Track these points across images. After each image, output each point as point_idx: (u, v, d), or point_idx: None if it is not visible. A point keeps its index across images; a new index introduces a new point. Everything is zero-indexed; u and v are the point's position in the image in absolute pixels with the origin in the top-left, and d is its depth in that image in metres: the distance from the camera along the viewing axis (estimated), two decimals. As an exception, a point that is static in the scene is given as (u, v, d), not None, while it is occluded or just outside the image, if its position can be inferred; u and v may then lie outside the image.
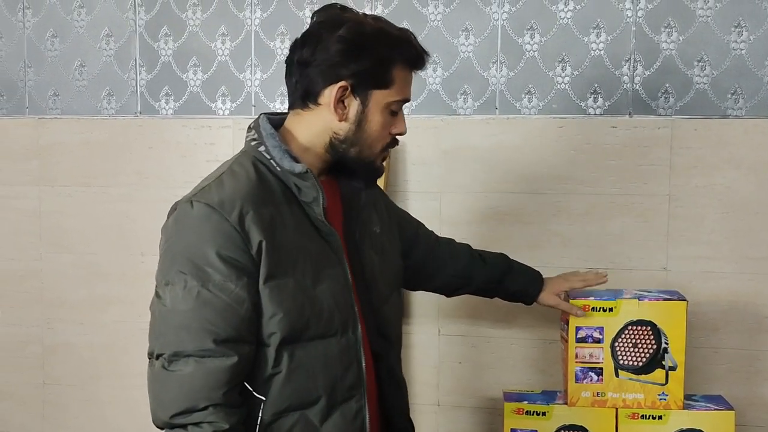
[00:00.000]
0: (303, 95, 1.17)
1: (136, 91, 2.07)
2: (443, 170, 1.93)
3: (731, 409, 1.58)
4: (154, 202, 2.05)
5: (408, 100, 1.23)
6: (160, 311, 1.07)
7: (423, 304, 1.96)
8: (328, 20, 1.16)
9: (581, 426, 1.59)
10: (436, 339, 1.97)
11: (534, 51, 1.89)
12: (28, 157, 2.11)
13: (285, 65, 1.21)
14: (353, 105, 1.15)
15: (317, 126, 1.17)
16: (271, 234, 1.07)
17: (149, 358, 1.08)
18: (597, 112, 1.86)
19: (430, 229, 1.74)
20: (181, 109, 2.05)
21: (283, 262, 1.08)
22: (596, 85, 1.86)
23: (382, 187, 1.86)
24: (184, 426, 1.03)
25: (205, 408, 1.02)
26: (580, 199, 1.87)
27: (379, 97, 1.16)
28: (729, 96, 1.81)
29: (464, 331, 1.95)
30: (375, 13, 1.92)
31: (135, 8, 2.05)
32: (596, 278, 1.59)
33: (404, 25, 1.90)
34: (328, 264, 1.13)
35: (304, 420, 1.10)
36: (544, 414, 1.61)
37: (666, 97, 1.83)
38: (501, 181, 1.90)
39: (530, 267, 1.60)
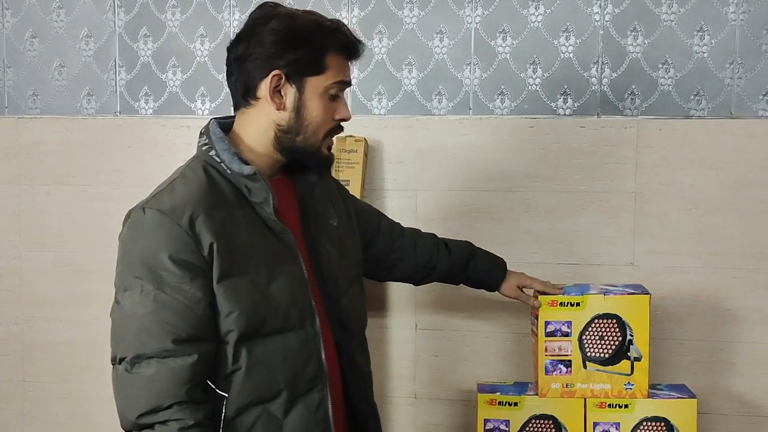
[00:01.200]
0: (243, 92, 1.20)
1: (116, 91, 2.09)
2: (418, 169, 1.98)
3: (693, 397, 1.65)
4: (133, 201, 2.03)
5: (347, 83, 1.26)
6: (120, 316, 1.10)
7: (400, 299, 2.01)
8: (261, 16, 1.19)
9: (551, 415, 1.66)
10: (413, 333, 2.02)
11: (506, 53, 1.94)
12: (7, 157, 2.13)
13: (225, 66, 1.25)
14: (290, 93, 1.18)
15: (261, 122, 1.19)
16: (223, 236, 1.10)
17: (112, 364, 1.11)
18: (566, 113, 1.93)
19: (406, 226, 1.80)
20: (160, 109, 2.07)
21: (236, 262, 1.11)
22: (566, 87, 1.92)
23: (359, 186, 1.92)
24: (151, 426, 1.06)
25: (169, 406, 1.06)
26: (549, 197, 1.93)
27: (315, 83, 1.18)
28: (692, 97, 1.88)
29: (441, 325, 2.01)
30: (351, 16, 1.97)
31: (114, 9, 2.07)
32: (554, 290, 1.64)
33: (380, 27, 1.97)
34: (283, 261, 1.16)
35: (266, 414, 1.13)
36: (516, 404, 1.67)
37: (632, 98, 1.90)
38: (474, 179, 1.96)
39: (495, 255, 1.66)
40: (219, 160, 1.17)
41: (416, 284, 1.67)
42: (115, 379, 1.10)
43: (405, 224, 1.98)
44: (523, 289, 1.67)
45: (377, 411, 1.38)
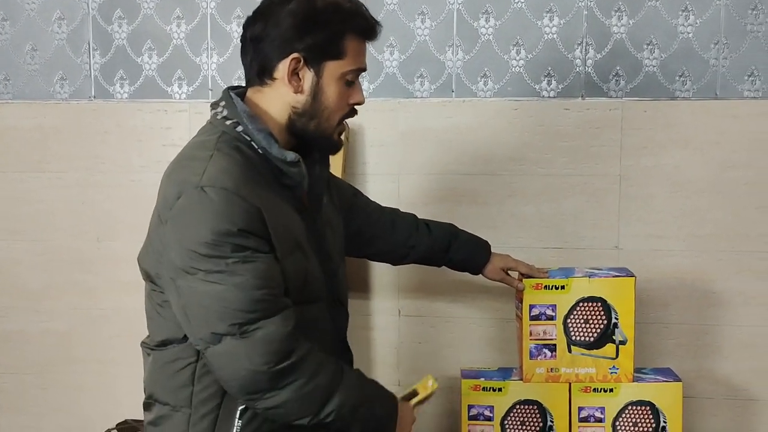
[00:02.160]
0: (259, 72, 1.19)
1: (90, 75, 2.04)
2: (401, 152, 1.95)
3: (679, 380, 1.63)
4: (109, 187, 2.03)
5: (363, 70, 1.26)
6: (204, 296, 1.07)
7: (383, 285, 1.99)
8: None
9: (536, 401, 1.64)
10: (396, 320, 1.99)
11: (489, 35, 1.91)
12: (-21, 143, 2.07)
13: (240, 44, 1.23)
14: (308, 77, 1.17)
15: (277, 103, 1.19)
16: (270, 214, 1.11)
17: (210, 345, 1.08)
18: (550, 95, 1.90)
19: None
20: (136, 93, 2.02)
21: (281, 239, 1.12)
22: (550, 68, 1.90)
23: (340, 169, 1.88)
24: (291, 369, 1.09)
25: (295, 349, 1.10)
26: (534, 180, 1.91)
27: (333, 68, 1.18)
28: (677, 78, 1.86)
29: (424, 312, 1.98)
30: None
31: (87, -10, 2.02)
32: (539, 273, 1.62)
33: (360, 7, 1.92)
34: (307, 239, 1.19)
35: None
36: (500, 390, 1.65)
37: (617, 80, 1.88)
38: (457, 163, 1.93)
39: (479, 237, 1.63)
40: (249, 139, 1.16)
41: (394, 264, 1.65)
42: (225, 352, 1.08)
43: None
44: (508, 272, 1.64)
45: None
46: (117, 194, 2.03)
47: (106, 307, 2.06)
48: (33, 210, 2.06)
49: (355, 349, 1.97)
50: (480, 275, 1.65)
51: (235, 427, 1.13)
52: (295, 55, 1.15)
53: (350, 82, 1.21)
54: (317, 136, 1.21)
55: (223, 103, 1.19)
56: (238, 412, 1.14)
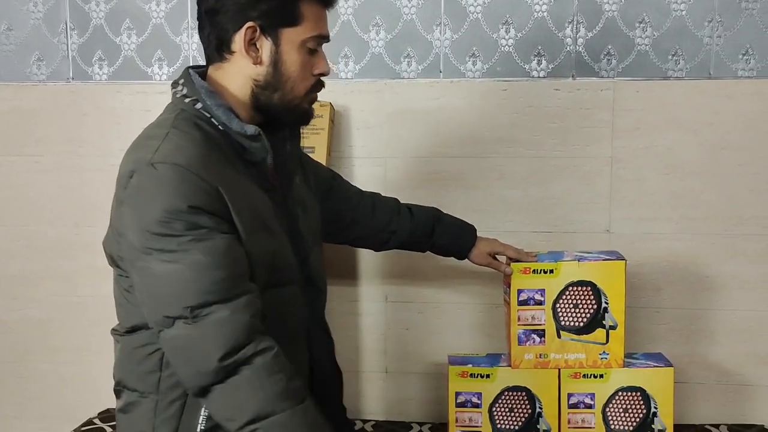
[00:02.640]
0: (217, 46, 1.15)
1: (68, 55, 1.98)
2: (387, 135, 1.90)
3: (670, 365, 1.60)
4: (88, 170, 1.98)
5: (325, 37, 1.21)
6: (160, 277, 1.03)
7: (370, 271, 1.94)
8: None
9: (525, 387, 1.60)
10: (383, 306, 1.95)
11: (477, 13, 1.86)
12: (-47, 127, 2.01)
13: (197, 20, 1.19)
14: (265, 46, 1.14)
15: (238, 77, 1.15)
16: (230, 193, 1.06)
17: (162, 328, 1.04)
18: (540, 75, 1.85)
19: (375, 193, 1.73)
20: (115, 75, 1.97)
21: (241, 219, 1.08)
22: (540, 48, 1.85)
23: (324, 152, 1.83)
24: (234, 370, 1.01)
25: (249, 341, 1.02)
26: (523, 163, 1.86)
27: (291, 35, 1.14)
28: (670, 57, 1.81)
29: (411, 297, 1.94)
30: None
31: (63, -32, 1.95)
32: (528, 257, 1.58)
33: (344, -15, 1.87)
34: (274, 219, 1.15)
35: None
36: (488, 376, 1.61)
37: (608, 59, 1.83)
38: (445, 146, 1.88)
39: (464, 221, 1.59)
40: (208, 115, 1.12)
41: (376, 249, 1.61)
42: (175, 338, 1.03)
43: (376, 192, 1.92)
44: (496, 257, 1.60)
45: (341, 373, 1.36)
46: (96, 178, 1.98)
47: (85, 294, 2.01)
48: (10, 195, 2.01)
49: (341, 335, 1.94)
50: (466, 260, 1.61)
51: (201, 416, 1.09)
52: (250, 24, 1.11)
53: (312, 50, 1.17)
54: (283, 108, 1.16)
55: (182, 81, 1.16)
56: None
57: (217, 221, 1.04)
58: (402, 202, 1.62)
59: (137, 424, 1.14)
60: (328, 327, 1.32)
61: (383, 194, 1.88)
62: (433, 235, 1.55)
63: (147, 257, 1.03)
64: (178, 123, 1.10)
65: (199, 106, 1.11)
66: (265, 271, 1.10)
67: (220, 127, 1.11)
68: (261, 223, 1.11)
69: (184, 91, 1.14)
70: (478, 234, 1.61)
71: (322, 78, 1.22)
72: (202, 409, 1.09)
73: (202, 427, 1.09)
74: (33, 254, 2.01)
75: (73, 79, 1.98)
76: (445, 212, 1.60)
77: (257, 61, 1.13)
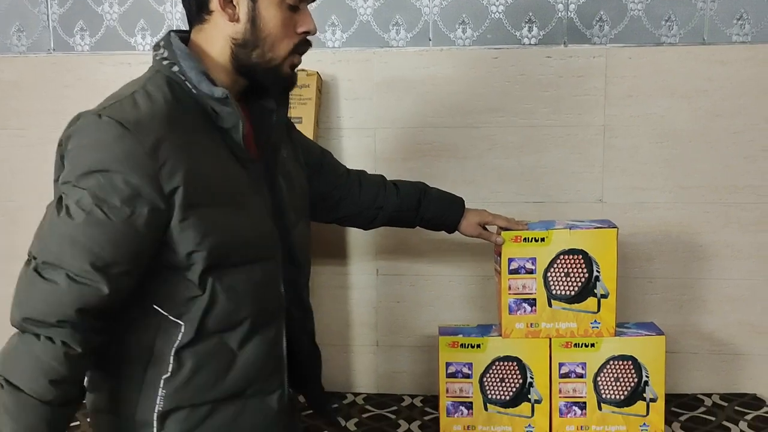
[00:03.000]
0: (197, 7, 1.12)
1: (48, 26, 1.93)
2: (376, 105, 1.87)
3: (662, 334, 1.58)
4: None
5: None
6: (53, 218, 1.00)
7: (361, 244, 1.92)
8: None
9: (516, 357, 1.59)
10: (374, 279, 1.93)
11: (467, -21, 1.82)
12: (-66, 100, 1.97)
13: None
14: (242, 2, 1.10)
15: (218, 38, 1.11)
16: (190, 163, 1.01)
17: (28, 257, 1.01)
18: (532, 42, 1.82)
19: (365, 166, 1.70)
20: (97, 45, 1.93)
21: (203, 192, 1.03)
22: (531, 14, 1.81)
23: (312, 124, 1.80)
24: (36, 334, 0.97)
25: (59, 324, 0.97)
26: (515, 132, 1.83)
27: None
28: (663, 23, 1.78)
29: (402, 270, 1.92)
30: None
31: (42, -65, 1.91)
32: (519, 225, 1.55)
33: (329, -51, 1.83)
34: (249, 191, 1.10)
35: (221, 345, 1.07)
36: (478, 346, 1.59)
37: (601, 26, 1.79)
38: (435, 116, 1.85)
39: (452, 194, 1.56)
40: (184, 78, 1.07)
41: (364, 228, 1.56)
42: (23, 274, 1.00)
43: (364, 165, 1.89)
44: (486, 227, 1.58)
45: (320, 352, 1.32)
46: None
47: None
48: (-6, 169, 1.98)
49: (332, 309, 1.94)
50: (457, 233, 1.58)
51: (159, 396, 1.06)
52: None
53: (293, 6, 1.12)
54: (263, 69, 1.12)
55: (162, 44, 1.12)
56: (162, 381, 1.06)
57: (135, 196, 0.98)
58: (392, 174, 1.59)
59: (101, 402, 1.11)
60: (308, 305, 1.28)
61: (373, 166, 1.86)
62: (419, 209, 1.52)
63: (62, 196, 1.00)
64: (149, 84, 1.07)
65: (175, 69, 1.08)
66: (229, 246, 1.05)
67: (193, 91, 1.07)
68: (228, 196, 1.06)
69: (164, 54, 1.10)
70: (468, 205, 1.58)
71: (309, 39, 1.17)
72: (160, 389, 1.06)
73: (160, 408, 1.06)
74: (17, 230, 1.98)
75: (54, 50, 1.94)
76: (432, 186, 1.57)
77: (234, 18, 1.09)
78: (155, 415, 1.05)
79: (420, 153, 1.87)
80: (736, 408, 1.75)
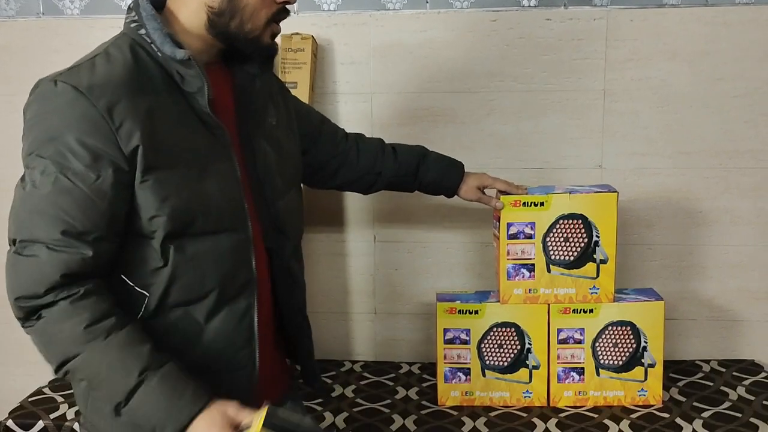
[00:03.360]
0: None
1: (37, -11, 1.89)
2: (373, 70, 1.83)
3: (661, 299, 1.58)
4: None
5: None
6: (20, 195, 1.00)
7: (358, 211, 1.90)
8: None
9: (514, 323, 1.58)
10: (371, 246, 1.92)
11: (466, -61, 1.78)
12: None
13: None
14: None
15: (191, 4, 1.07)
16: (149, 125, 0.99)
17: (9, 243, 1.01)
18: (531, 4, 1.78)
19: (361, 131, 1.66)
20: (87, 9, 1.88)
21: (163, 155, 1.00)
22: (530, -25, 1.77)
23: (307, 89, 1.77)
24: (36, 314, 0.97)
25: (47, 292, 0.96)
26: (513, 97, 1.81)
27: None
28: (665, -16, 1.74)
29: (400, 237, 1.91)
30: None
31: None
32: (518, 190, 1.53)
33: None
34: (216, 158, 1.06)
35: (188, 317, 1.04)
36: (476, 312, 1.58)
37: (602, -13, 1.76)
38: (433, 80, 1.82)
39: (451, 158, 1.53)
40: (149, 41, 1.03)
41: (364, 192, 1.54)
42: (7, 261, 1.00)
43: (360, 130, 1.85)
44: (485, 191, 1.56)
45: (309, 324, 1.28)
46: None
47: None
48: (-16, 137, 1.94)
49: (329, 276, 1.93)
50: (456, 198, 1.56)
51: None
52: None
53: None
54: (244, 39, 1.08)
55: (132, 5, 1.08)
56: None
57: (97, 159, 0.96)
58: (389, 140, 1.56)
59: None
60: (297, 275, 1.22)
61: (369, 132, 1.83)
62: (418, 173, 1.49)
63: (26, 172, 0.99)
64: (112, 47, 1.04)
65: (142, 32, 1.04)
66: (191, 212, 1.02)
67: (158, 53, 1.03)
68: (190, 161, 1.02)
69: (134, 17, 1.06)
70: (467, 170, 1.56)
71: (288, 7, 1.12)
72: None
73: None
74: (8, 197, 1.95)
75: (43, 14, 1.89)
76: (432, 151, 1.54)
77: None
78: (151, 338, 1.02)
79: (417, 118, 1.84)
80: (734, 374, 1.75)
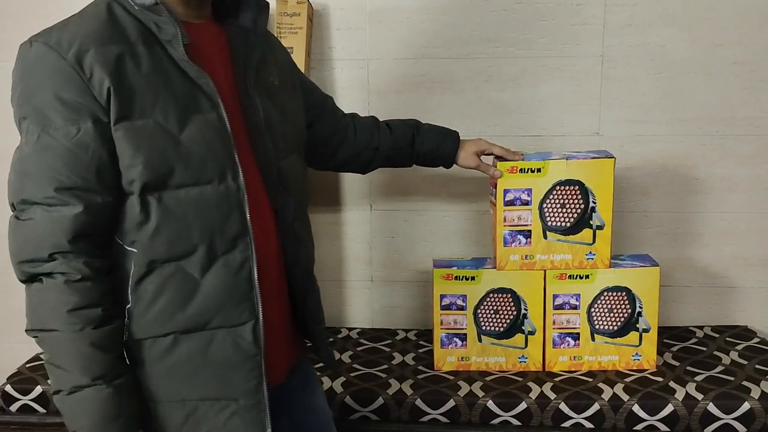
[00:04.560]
0: None
1: (27, -48, 1.86)
2: (369, 35, 1.82)
3: (656, 265, 1.58)
4: None
5: None
6: (15, 159, 1.01)
7: (354, 179, 1.90)
8: None
9: (510, 289, 1.59)
10: (368, 215, 1.92)
11: None
12: None
13: None
14: None
15: None
16: (119, 72, 0.99)
17: (10, 209, 1.03)
18: (530, -32, 1.76)
19: (358, 98, 1.66)
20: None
21: (136, 103, 1.00)
22: (529, -61, 1.75)
23: (303, 54, 1.75)
24: (37, 277, 0.99)
25: (51, 257, 0.98)
26: (511, 63, 1.79)
27: None
28: (666, -52, 1.72)
29: (397, 206, 1.91)
30: None
31: None
32: (515, 156, 1.53)
33: None
34: (198, 108, 1.04)
35: (181, 272, 1.03)
36: (473, 279, 1.59)
37: (601, -49, 1.74)
38: (430, 46, 1.81)
39: (445, 127, 1.52)
40: None
41: (363, 171, 1.52)
42: (9, 225, 1.02)
43: (357, 97, 1.87)
44: (482, 158, 1.55)
45: (317, 285, 1.27)
46: None
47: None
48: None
49: (326, 244, 1.93)
50: (455, 167, 1.54)
51: (124, 326, 1.04)
52: None
53: None
54: None
55: None
56: (126, 312, 1.04)
57: (75, 112, 0.97)
58: (386, 107, 1.56)
59: None
60: (302, 237, 1.21)
61: (366, 99, 1.83)
62: (414, 143, 1.48)
63: (20, 136, 1.01)
64: (89, 6, 1.05)
65: None
66: (167, 162, 1.00)
67: (135, 6, 1.03)
68: (166, 110, 1.01)
69: None
70: (462, 138, 1.54)
71: None
72: (125, 320, 1.04)
73: (125, 338, 1.05)
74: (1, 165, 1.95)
75: (35, -22, 1.87)
76: (426, 123, 1.52)
77: None
78: (122, 346, 1.04)
79: (414, 85, 1.83)
80: (728, 339, 1.77)
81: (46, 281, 0.99)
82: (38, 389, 1.60)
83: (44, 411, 1.61)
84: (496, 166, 1.53)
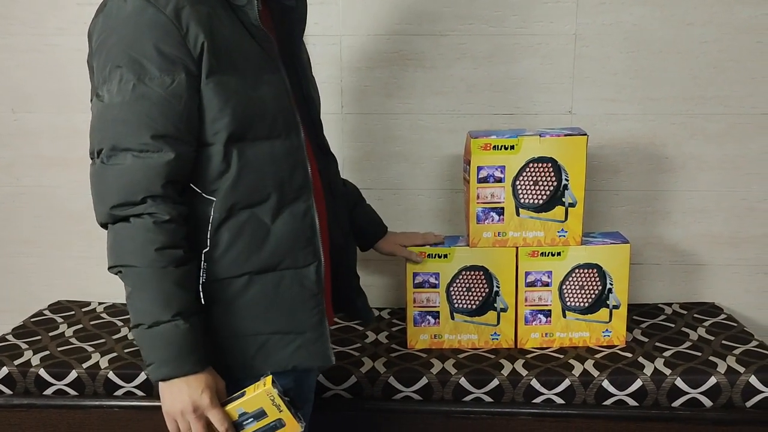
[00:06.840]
0: None
1: None
2: (341, 10, 1.79)
3: (627, 242, 1.60)
4: (23, 52, 1.84)
5: None
6: (99, 109, 1.05)
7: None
8: None
9: (482, 266, 1.59)
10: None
11: None
12: None
13: None
14: None
15: None
16: (210, 30, 1.05)
17: (91, 159, 1.07)
18: (503, -55, 1.75)
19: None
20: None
21: (224, 59, 1.06)
22: None
23: (275, 29, 1.73)
24: (125, 218, 1.04)
25: (143, 200, 1.03)
26: (484, 41, 1.78)
27: None
28: (639, -75, 1.72)
29: (370, 184, 1.89)
30: None
31: None
32: (436, 239, 1.62)
33: None
34: (267, 69, 1.12)
35: (255, 218, 1.11)
36: (446, 256, 1.59)
37: (575, -73, 1.73)
38: (403, 22, 1.79)
39: (380, 218, 1.60)
40: None
41: None
42: (92, 173, 1.07)
43: (330, 73, 1.86)
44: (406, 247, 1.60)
45: (353, 242, 1.42)
46: (32, 60, 1.85)
47: (29, 185, 1.92)
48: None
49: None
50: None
51: (201, 269, 1.09)
52: None
53: None
54: None
55: None
56: (203, 255, 1.10)
57: (171, 63, 1.02)
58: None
59: None
60: (341, 192, 1.37)
61: (339, 75, 1.82)
62: (353, 213, 1.52)
63: (101, 87, 1.04)
64: None
65: None
66: (250, 116, 1.08)
67: None
68: (246, 68, 1.08)
69: None
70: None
71: None
72: (202, 263, 1.10)
73: (203, 280, 1.10)
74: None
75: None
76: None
77: None
78: (200, 287, 1.09)
79: (387, 61, 1.81)
80: (695, 315, 1.80)
81: (134, 221, 1.03)
82: (5, 370, 1.57)
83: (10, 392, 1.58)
84: (418, 254, 1.58)
